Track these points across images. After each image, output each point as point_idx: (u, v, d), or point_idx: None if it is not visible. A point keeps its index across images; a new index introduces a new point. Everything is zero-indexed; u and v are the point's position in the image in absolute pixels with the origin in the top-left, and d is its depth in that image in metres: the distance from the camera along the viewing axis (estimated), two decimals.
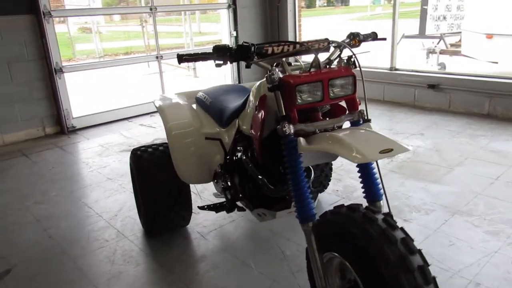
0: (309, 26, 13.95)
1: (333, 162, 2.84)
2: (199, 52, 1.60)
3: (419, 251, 1.32)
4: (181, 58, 1.57)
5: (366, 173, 1.62)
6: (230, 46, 1.58)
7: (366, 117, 1.63)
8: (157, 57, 5.61)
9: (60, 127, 4.95)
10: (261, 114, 1.72)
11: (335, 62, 1.70)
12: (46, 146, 4.48)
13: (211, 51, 1.58)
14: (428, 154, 3.66)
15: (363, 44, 1.90)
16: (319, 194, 2.96)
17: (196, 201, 2.97)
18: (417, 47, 9.84)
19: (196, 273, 2.19)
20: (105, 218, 2.83)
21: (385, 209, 1.61)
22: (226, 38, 6.45)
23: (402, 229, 1.38)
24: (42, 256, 2.42)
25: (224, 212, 2.38)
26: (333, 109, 1.73)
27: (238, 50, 1.57)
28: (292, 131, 1.52)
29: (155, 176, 2.33)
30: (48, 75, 4.75)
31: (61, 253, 2.43)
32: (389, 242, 1.30)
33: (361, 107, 1.64)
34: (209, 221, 2.70)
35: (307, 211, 1.53)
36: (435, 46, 8.46)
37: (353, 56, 1.64)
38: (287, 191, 1.86)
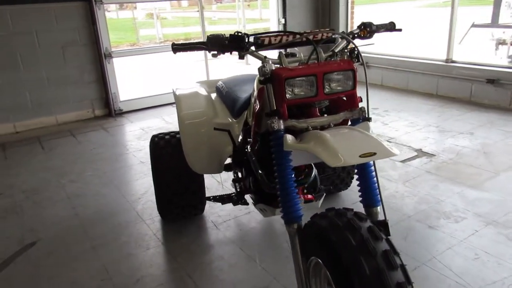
0: (367, 14, 13.33)
1: None
2: (194, 42, 1.56)
3: (402, 267, 1.21)
4: (174, 48, 1.54)
5: (364, 175, 1.50)
6: (225, 35, 1.52)
7: (366, 116, 1.51)
8: None
9: (108, 110, 5.20)
10: (258, 107, 1.66)
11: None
12: (93, 128, 4.73)
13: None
14: (474, 155, 3.35)
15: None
16: (341, 192, 2.84)
17: (218, 190, 2.98)
18: (488, 37, 9.04)
19: (200, 263, 2.19)
20: (129, 200, 2.93)
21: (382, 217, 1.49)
22: (274, 25, 6.36)
23: (387, 240, 1.26)
24: (64, 233, 2.56)
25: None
26: (336, 104, 1.61)
27: (231, 40, 1.51)
28: (281, 126, 1.45)
29: (168, 164, 2.35)
30: (98, 59, 4.99)
31: (82, 232, 2.56)
32: (368, 254, 1.20)
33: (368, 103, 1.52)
34: (224, 212, 2.69)
35: (292, 211, 1.46)
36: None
37: (356, 49, 1.51)
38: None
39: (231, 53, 1.55)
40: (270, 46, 1.55)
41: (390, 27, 1.78)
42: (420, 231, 2.37)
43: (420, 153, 3.49)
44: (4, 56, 4.47)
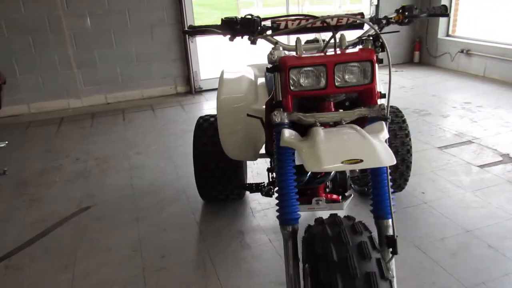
0: None
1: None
2: (207, 25, 1.49)
3: None
4: (185, 32, 1.50)
5: (375, 183, 1.32)
6: (237, 18, 1.43)
7: (385, 114, 1.31)
8: None
9: (189, 87, 5.41)
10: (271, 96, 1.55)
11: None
12: (171, 104, 4.98)
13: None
14: None
15: None
16: (397, 193, 2.57)
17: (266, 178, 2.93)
18: None
19: (225, 248, 2.18)
20: (180, 177, 3.03)
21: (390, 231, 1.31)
22: (366, 8, 5.95)
23: (378, 261, 1.10)
24: (116, 201, 2.74)
25: None
26: (361, 99, 1.42)
27: (242, 24, 1.41)
28: (285, 120, 1.33)
29: (207, 146, 2.36)
30: (182, 38, 5.19)
31: (131, 203, 2.72)
32: (347, 274, 1.06)
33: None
34: (266, 199, 2.64)
35: (288, 213, 1.34)
36: None
37: (379, 37, 1.31)
38: (298, 186, 1.65)
39: (242, 38, 1.45)
40: (283, 31, 1.42)
41: (438, 12, 1.51)
42: (476, 250, 2.05)
43: (507, 158, 3.00)
44: (100, 33, 4.89)
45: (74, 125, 4.41)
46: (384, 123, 1.28)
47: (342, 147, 1.10)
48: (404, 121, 2.40)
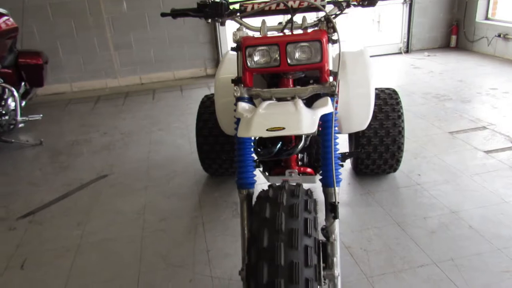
0: None
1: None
2: (184, 8, 1.65)
3: (308, 249, 1.17)
4: (164, 14, 1.67)
5: (324, 155, 1.44)
6: (208, 2, 1.58)
7: (335, 91, 1.42)
8: None
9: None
10: None
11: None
12: (199, 85, 5.21)
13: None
14: None
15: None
16: (392, 174, 2.63)
17: None
18: None
19: (218, 216, 2.38)
20: (192, 151, 3.25)
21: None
22: None
23: (305, 221, 1.23)
24: (131, 171, 3.02)
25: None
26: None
27: (211, 7, 1.56)
28: (245, 94, 1.48)
29: (208, 122, 2.54)
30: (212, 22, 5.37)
31: (144, 173, 2.98)
32: (272, 228, 1.20)
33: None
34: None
35: (244, 178, 1.50)
36: None
37: (329, 19, 1.41)
38: (268, 156, 1.79)
39: (212, 20, 1.60)
40: (245, 13, 1.55)
41: None
42: (455, 230, 2.09)
43: None
44: (136, 17, 5.19)
45: (108, 103, 4.77)
46: (329, 98, 1.39)
47: (271, 117, 1.23)
48: (398, 103, 2.44)
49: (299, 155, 1.96)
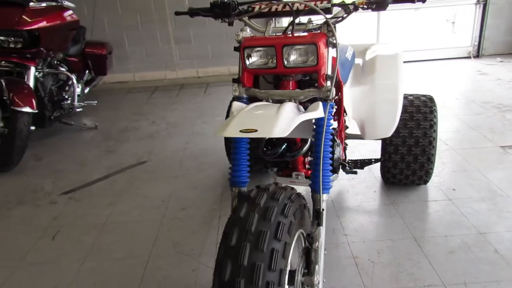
0: None
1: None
2: (198, 8, 1.71)
3: (274, 252, 1.17)
4: (178, 13, 1.74)
5: (314, 160, 1.42)
6: (218, 2, 1.62)
7: (330, 96, 1.39)
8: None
9: None
10: None
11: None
12: None
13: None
14: None
15: None
16: (423, 186, 2.50)
17: None
18: None
19: None
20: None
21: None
22: None
23: (279, 224, 1.23)
24: (167, 160, 3.17)
25: None
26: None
27: (220, 7, 1.60)
28: (243, 94, 1.51)
29: None
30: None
31: (178, 163, 3.12)
32: (242, 228, 1.22)
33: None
34: None
35: (237, 176, 1.53)
36: None
37: (328, 22, 1.38)
38: (273, 157, 1.79)
39: (222, 20, 1.64)
40: (250, 14, 1.56)
41: None
42: (478, 252, 1.94)
43: None
44: None
45: (164, 94, 5.03)
46: (321, 103, 1.37)
47: (248, 119, 1.24)
48: (432, 111, 2.30)
49: (308, 158, 1.94)
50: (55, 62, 3.62)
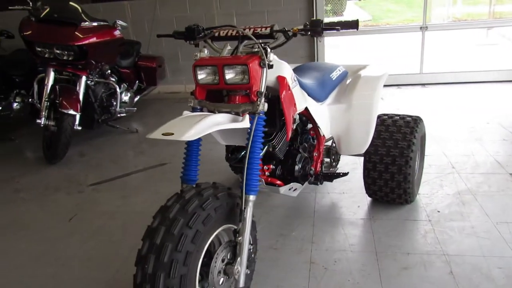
0: None
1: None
2: (175, 31, 2.00)
3: (175, 248, 1.39)
4: (159, 35, 2.05)
5: (244, 164, 1.63)
6: (188, 27, 1.90)
7: (256, 110, 1.60)
8: (421, 28, 5.31)
9: None
10: None
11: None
12: None
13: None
14: None
15: None
16: (410, 205, 2.53)
17: None
18: None
19: None
20: None
21: None
22: None
23: (193, 214, 1.45)
24: None
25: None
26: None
27: (187, 31, 1.88)
28: (197, 105, 1.77)
29: None
30: (312, 38, 5.60)
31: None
32: (165, 216, 1.46)
33: None
34: None
35: (188, 174, 1.80)
36: None
37: (259, 46, 1.60)
38: (234, 162, 2.02)
39: (189, 42, 1.91)
40: (203, 37, 1.82)
41: (346, 26, 1.64)
42: (432, 272, 1.98)
43: None
44: None
45: None
46: (247, 115, 1.60)
47: (173, 125, 1.49)
48: (412, 132, 2.36)
49: (272, 166, 2.13)
50: (107, 72, 4.18)
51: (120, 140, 4.27)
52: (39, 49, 3.54)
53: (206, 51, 1.79)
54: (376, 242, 2.23)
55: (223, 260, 1.61)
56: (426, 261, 2.05)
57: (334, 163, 2.66)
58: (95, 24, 3.75)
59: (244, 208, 1.60)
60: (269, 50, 1.65)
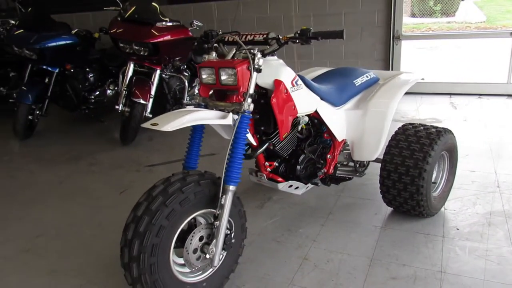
0: None
1: None
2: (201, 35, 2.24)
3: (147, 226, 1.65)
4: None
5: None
6: (205, 32, 2.13)
7: (240, 110, 1.78)
8: (511, 34, 4.83)
9: None
10: None
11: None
12: None
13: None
14: None
15: None
16: (429, 218, 2.46)
17: None
18: None
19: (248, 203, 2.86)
20: None
21: None
22: None
23: (163, 205, 1.67)
24: None
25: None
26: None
27: (204, 35, 2.11)
28: (201, 102, 2.00)
29: None
30: (388, 40, 5.46)
31: None
32: (148, 200, 1.72)
33: None
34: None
35: (189, 161, 2.05)
36: None
37: (247, 52, 1.76)
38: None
39: (205, 45, 2.14)
40: (213, 41, 2.02)
41: (334, 35, 1.72)
42: (420, 287, 1.94)
43: None
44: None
45: None
46: (231, 114, 1.78)
47: (163, 118, 1.72)
48: (431, 143, 2.29)
49: (276, 164, 2.27)
50: (181, 67, 4.63)
51: (187, 128, 4.69)
52: (121, 45, 4.10)
53: (214, 54, 1.99)
54: (376, 249, 2.24)
55: (202, 239, 1.82)
56: (418, 275, 2.01)
57: (360, 168, 2.68)
58: (169, 24, 4.19)
59: (222, 195, 1.78)
60: (259, 55, 1.80)
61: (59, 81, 4.75)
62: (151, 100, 4.09)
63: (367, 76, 2.57)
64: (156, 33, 4.04)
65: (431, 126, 2.44)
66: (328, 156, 2.44)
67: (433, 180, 2.55)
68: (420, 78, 2.63)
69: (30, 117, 4.56)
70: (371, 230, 2.43)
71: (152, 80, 4.21)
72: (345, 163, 2.69)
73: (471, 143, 3.60)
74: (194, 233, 1.79)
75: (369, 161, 2.74)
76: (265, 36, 1.91)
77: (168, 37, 4.12)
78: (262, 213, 2.72)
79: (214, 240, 1.78)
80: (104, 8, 4.52)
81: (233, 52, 1.98)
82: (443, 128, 2.41)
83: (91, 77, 5.04)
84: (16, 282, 2.18)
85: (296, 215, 2.67)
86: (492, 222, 2.41)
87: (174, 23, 4.24)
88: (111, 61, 5.33)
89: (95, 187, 3.32)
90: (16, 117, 4.44)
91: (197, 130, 2.02)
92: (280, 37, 1.92)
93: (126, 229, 1.69)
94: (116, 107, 4.11)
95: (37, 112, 4.66)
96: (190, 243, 1.78)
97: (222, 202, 1.78)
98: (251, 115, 1.84)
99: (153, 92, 4.14)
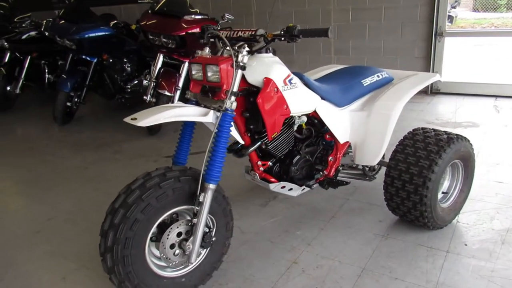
0: None
1: None
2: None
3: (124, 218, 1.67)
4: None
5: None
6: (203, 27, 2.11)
7: (223, 109, 1.75)
8: None
9: (427, 87, 5.33)
10: None
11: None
12: None
13: None
14: None
15: None
16: (436, 231, 2.30)
17: None
18: None
19: (250, 202, 2.84)
20: None
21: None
22: None
23: (141, 199, 1.69)
24: None
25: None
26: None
27: (201, 31, 2.09)
28: (192, 98, 2.00)
29: None
30: (430, 37, 5.14)
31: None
32: (127, 193, 1.74)
33: None
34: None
35: (178, 156, 2.06)
36: None
37: (230, 49, 1.72)
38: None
39: (201, 40, 2.11)
40: (209, 34, 1.98)
41: (316, 34, 1.63)
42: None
43: None
44: (356, 26, 5.62)
45: None
46: (211, 111, 1.76)
47: (143, 113, 1.73)
48: (439, 151, 2.13)
49: (270, 163, 2.21)
50: None
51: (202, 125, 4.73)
52: (151, 37, 4.20)
53: (207, 50, 1.97)
54: (371, 259, 2.13)
55: (180, 235, 1.82)
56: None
57: (370, 172, 2.56)
58: (197, 17, 4.23)
59: (200, 193, 1.77)
60: (244, 52, 1.75)
61: (98, 71, 4.97)
62: (178, 92, 4.15)
63: (378, 76, 2.43)
64: (183, 26, 4.09)
65: (444, 131, 2.26)
66: (330, 158, 2.35)
67: (444, 190, 2.39)
68: (437, 79, 2.46)
69: (69, 103, 4.82)
70: (371, 238, 2.31)
71: (180, 72, 4.27)
72: (354, 166, 2.58)
73: (507, 152, 3.31)
74: (171, 228, 1.80)
75: (380, 165, 2.61)
76: (252, 33, 1.85)
77: (194, 30, 4.16)
78: (264, 212, 2.68)
79: (192, 237, 1.78)
80: (138, 1, 4.65)
81: (223, 49, 1.95)
82: (456, 134, 2.23)
83: (128, 67, 5.22)
84: (17, 261, 2.32)
85: (298, 216, 2.61)
86: (507, 240, 2.20)
87: (203, 16, 4.26)
88: (148, 52, 5.48)
89: (114, 174, 3.45)
90: (55, 103, 4.70)
91: (187, 126, 2.02)
92: (266, 34, 1.86)
93: (105, 220, 1.73)
94: (144, 97, 4.23)
95: (76, 100, 4.91)
96: (167, 238, 1.79)
97: (200, 200, 1.77)
98: (234, 113, 1.80)
99: (181, 84, 4.20)
